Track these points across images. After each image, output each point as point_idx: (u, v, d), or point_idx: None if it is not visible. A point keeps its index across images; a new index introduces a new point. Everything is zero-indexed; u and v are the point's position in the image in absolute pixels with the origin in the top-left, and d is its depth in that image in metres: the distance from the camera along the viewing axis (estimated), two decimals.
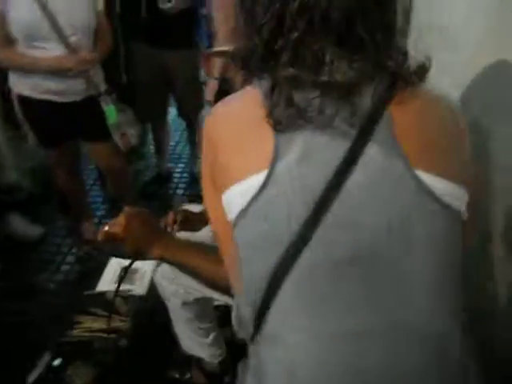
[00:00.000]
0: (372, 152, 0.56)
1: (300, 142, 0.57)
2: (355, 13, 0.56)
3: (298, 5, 0.56)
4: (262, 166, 0.57)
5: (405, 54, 0.60)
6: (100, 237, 0.90)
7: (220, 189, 0.63)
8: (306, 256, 0.56)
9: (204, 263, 0.91)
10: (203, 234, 1.25)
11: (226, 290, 0.94)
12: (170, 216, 1.24)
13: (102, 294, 1.68)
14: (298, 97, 0.58)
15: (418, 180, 0.57)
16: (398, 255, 0.57)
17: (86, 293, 1.67)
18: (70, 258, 2.14)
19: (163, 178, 2.80)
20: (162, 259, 0.93)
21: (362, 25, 0.56)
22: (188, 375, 1.54)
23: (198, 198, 2.59)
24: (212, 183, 0.66)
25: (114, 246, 0.95)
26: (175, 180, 2.88)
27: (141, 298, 1.68)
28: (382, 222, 0.57)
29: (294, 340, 0.59)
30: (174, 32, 2.24)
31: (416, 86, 0.60)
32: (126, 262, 1.96)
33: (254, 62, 0.61)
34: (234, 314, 0.74)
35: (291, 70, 0.57)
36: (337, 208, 0.56)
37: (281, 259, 0.57)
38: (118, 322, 1.53)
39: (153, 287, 1.68)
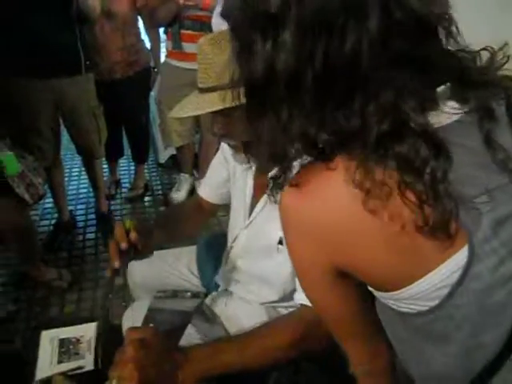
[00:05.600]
0: None
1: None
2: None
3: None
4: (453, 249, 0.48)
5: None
6: None
7: (377, 287, 0.55)
8: None
9: (249, 352, 0.82)
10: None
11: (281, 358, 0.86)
12: (118, 229, 0.93)
13: (46, 381, 1.37)
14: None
15: None
16: None
17: None
18: None
19: (67, 225, 2.45)
20: None
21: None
22: None
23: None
24: (334, 279, 0.58)
25: None
26: (81, 224, 2.56)
27: (93, 372, 1.42)
28: None
29: None
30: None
31: None
32: (61, 333, 1.65)
33: (331, 146, 0.50)
34: None
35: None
36: None
37: None
38: None
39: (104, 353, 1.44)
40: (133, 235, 0.92)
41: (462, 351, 0.53)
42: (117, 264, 0.89)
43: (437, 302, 0.51)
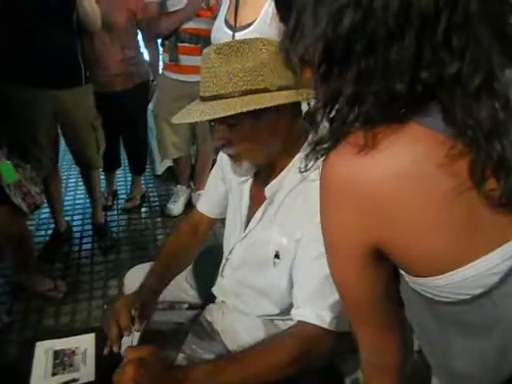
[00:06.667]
0: None
1: None
2: None
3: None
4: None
5: None
6: None
7: (410, 270, 0.53)
8: None
9: (248, 371, 0.82)
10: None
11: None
12: (124, 317, 0.98)
13: None
14: None
15: None
16: None
17: None
18: None
19: (63, 235, 2.44)
20: None
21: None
22: None
23: (109, 250, 2.38)
24: (369, 260, 0.55)
25: None
26: (77, 235, 2.55)
27: None
28: None
29: None
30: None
31: None
32: (56, 344, 1.63)
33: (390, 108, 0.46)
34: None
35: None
36: None
37: None
38: None
39: (100, 366, 1.42)
40: (137, 326, 0.98)
41: (497, 348, 0.51)
42: (116, 349, 0.97)
43: (482, 290, 0.49)
